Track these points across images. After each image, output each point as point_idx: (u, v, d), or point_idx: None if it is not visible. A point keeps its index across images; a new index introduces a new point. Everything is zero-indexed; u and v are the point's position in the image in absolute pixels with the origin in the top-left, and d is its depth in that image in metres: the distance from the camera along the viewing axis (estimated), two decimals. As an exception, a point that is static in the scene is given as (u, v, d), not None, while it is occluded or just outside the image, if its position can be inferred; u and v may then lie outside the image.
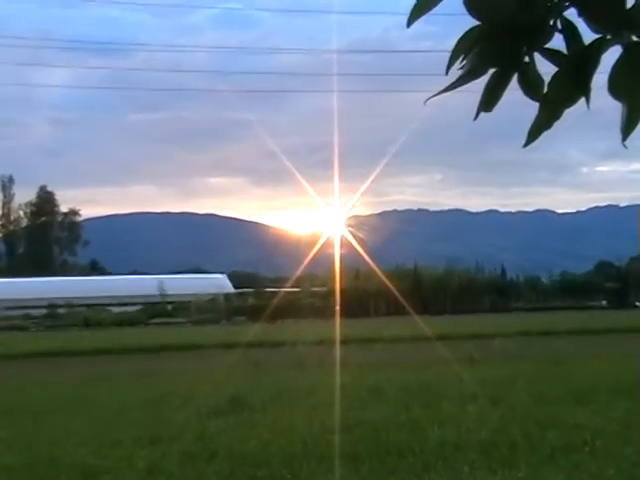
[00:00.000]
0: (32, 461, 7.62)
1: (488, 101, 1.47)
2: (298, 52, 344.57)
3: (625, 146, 1.38)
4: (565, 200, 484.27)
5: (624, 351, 17.13)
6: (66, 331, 39.72)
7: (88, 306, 51.36)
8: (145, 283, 58.42)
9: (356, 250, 44.45)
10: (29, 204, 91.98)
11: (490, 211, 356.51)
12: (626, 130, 1.36)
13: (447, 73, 1.45)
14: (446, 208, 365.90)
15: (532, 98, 1.46)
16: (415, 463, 6.98)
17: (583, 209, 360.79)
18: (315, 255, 44.91)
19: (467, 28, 1.43)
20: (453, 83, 1.44)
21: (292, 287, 48.98)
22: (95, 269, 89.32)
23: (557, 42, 1.42)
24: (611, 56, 1.37)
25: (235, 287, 61.53)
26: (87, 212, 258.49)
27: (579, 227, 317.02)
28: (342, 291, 40.60)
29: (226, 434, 8.58)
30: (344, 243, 43.94)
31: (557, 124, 1.48)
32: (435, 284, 55.66)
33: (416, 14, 1.44)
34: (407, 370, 14.92)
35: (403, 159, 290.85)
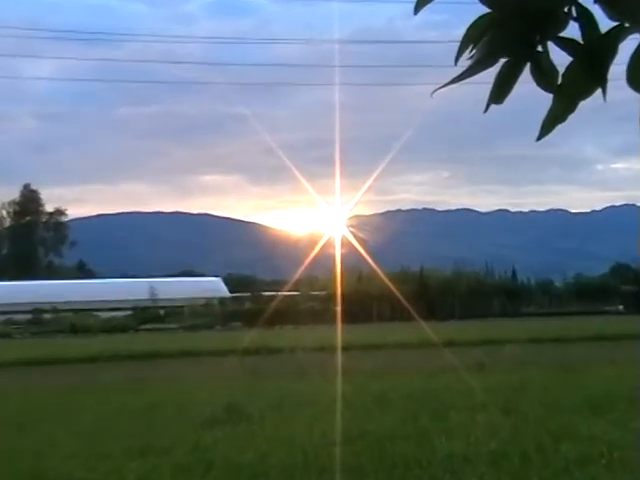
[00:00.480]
0: (16, 474, 7.62)
1: (499, 93, 1.48)
2: (297, 42, 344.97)
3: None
4: (579, 199, 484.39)
5: (642, 358, 17.12)
6: (52, 338, 39.69)
7: (75, 311, 51.29)
8: (135, 287, 58.37)
9: (358, 252, 44.45)
10: (12, 203, 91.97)
11: (500, 211, 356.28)
12: (645, 124, 1.36)
13: (456, 64, 1.45)
14: (453, 208, 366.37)
15: (545, 89, 1.46)
16: (422, 476, 6.98)
17: (598, 208, 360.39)
18: (315, 257, 44.98)
19: (477, 16, 1.44)
20: (462, 74, 1.44)
21: (291, 291, 48.93)
22: (82, 272, 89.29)
23: (572, 30, 1.42)
24: (629, 45, 1.37)
25: (230, 291, 61.50)
26: (74, 211, 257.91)
27: (594, 227, 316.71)
28: (343, 295, 40.53)
29: (222, 445, 8.58)
30: (345, 244, 43.95)
31: (571, 117, 1.48)
32: (442, 287, 55.61)
33: (423, 1, 1.45)
34: (413, 378, 14.91)
35: (408, 155, 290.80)
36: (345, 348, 20.76)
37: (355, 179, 73.87)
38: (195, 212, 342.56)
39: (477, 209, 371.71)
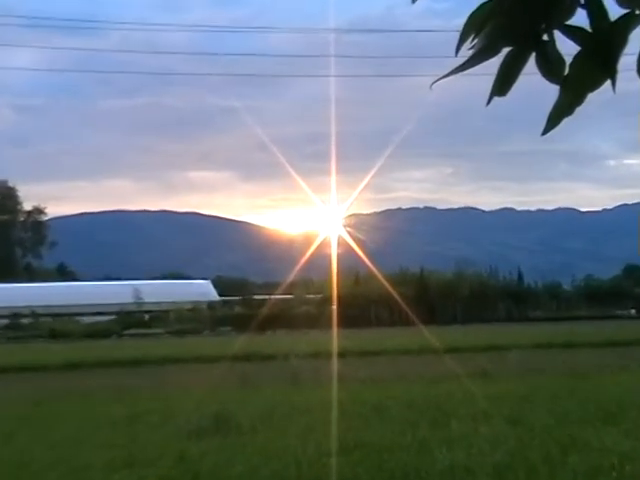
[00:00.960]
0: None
1: (502, 84, 1.48)
2: (292, 32, 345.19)
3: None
4: (589, 197, 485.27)
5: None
6: (30, 343, 39.65)
7: (55, 315, 51.22)
8: (119, 290, 58.26)
9: (355, 252, 44.52)
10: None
11: (505, 209, 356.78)
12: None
13: (457, 54, 1.46)
14: (456, 206, 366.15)
15: (552, 81, 1.47)
16: (422, 489, 6.99)
17: (609, 207, 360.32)
18: (310, 258, 44.96)
19: (479, 3, 1.44)
20: (463, 64, 1.45)
21: (284, 294, 48.92)
22: (63, 274, 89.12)
23: (579, 18, 1.42)
24: None
25: (220, 294, 61.48)
26: (54, 210, 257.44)
27: (605, 227, 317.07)
28: (340, 298, 40.49)
29: (210, 457, 8.57)
30: (342, 245, 44.04)
31: (579, 110, 1.48)
32: (444, 290, 55.63)
33: (423, -13, 1.45)
34: (413, 386, 14.92)
35: (408, 151, 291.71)
36: (341, 354, 20.76)
37: (352, 176, 73.85)
38: (183, 211, 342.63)
39: (481, 207, 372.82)
